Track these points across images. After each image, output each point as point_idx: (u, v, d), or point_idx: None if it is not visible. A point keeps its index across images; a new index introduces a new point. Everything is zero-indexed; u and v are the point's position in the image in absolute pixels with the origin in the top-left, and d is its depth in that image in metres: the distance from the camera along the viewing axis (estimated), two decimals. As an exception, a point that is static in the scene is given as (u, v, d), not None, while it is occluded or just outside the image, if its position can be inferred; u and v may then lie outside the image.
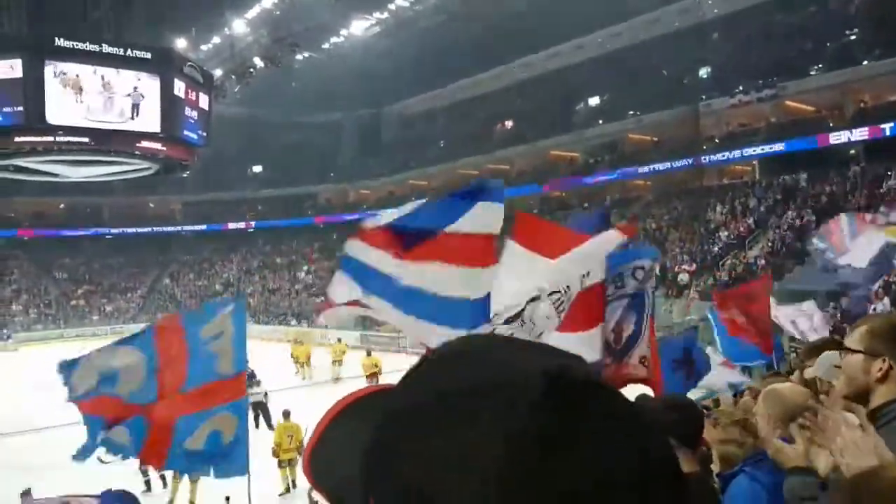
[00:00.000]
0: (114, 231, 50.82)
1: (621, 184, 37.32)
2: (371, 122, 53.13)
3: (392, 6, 37.71)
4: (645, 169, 34.61)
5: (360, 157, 52.82)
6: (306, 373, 23.05)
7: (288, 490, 11.11)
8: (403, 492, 0.45)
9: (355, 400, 0.61)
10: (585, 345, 3.78)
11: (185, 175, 34.06)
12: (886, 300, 16.56)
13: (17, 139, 20.05)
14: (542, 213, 39.84)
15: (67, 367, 5.11)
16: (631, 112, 36.47)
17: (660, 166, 33.54)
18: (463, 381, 0.47)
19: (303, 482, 11.27)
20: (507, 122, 45.53)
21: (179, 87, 21.88)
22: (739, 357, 7.77)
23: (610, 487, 0.42)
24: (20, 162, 21.55)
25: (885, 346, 1.84)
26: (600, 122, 38.62)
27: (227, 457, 5.50)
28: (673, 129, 32.50)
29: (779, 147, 28.87)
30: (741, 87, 30.10)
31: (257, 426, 13.95)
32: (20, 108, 19.58)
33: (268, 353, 22.75)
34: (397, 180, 47.82)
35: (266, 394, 15.31)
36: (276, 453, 10.93)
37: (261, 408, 14.95)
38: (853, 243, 7.68)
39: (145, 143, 21.81)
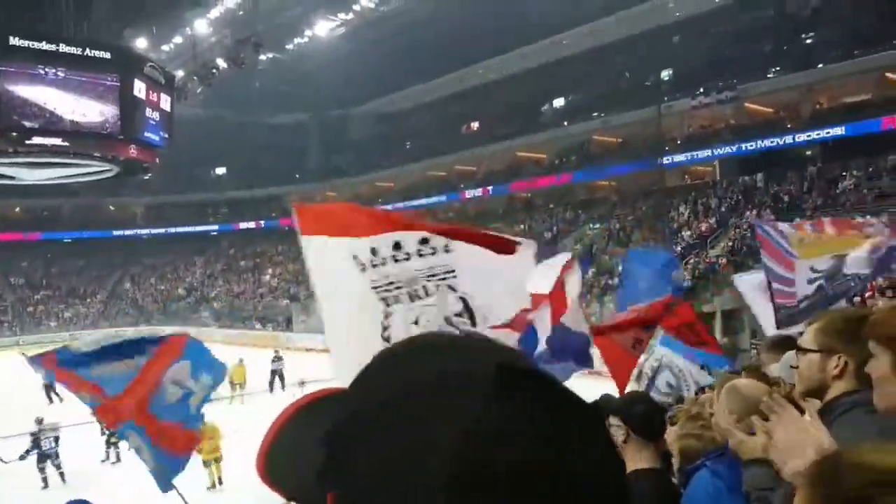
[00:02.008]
0: (73, 234, 49.66)
1: (587, 184, 37.71)
2: (337, 123, 52.81)
3: (357, 7, 37.53)
4: (610, 169, 35.05)
5: (327, 158, 52.47)
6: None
7: (214, 485, 11.86)
8: (361, 489, 0.45)
9: (311, 401, 0.61)
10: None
11: (146, 177, 33.47)
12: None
13: (-30, 140, 19.53)
14: (509, 212, 40.15)
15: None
16: (596, 113, 36.87)
17: (624, 167, 33.99)
18: (415, 378, 0.48)
19: (229, 479, 11.47)
20: (473, 123, 45.68)
21: (140, 88, 21.53)
22: (706, 361, 7.84)
23: (559, 476, 0.43)
24: (-26, 164, 20.99)
25: (839, 342, 1.87)
26: (566, 123, 38.97)
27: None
28: (637, 131, 32.94)
29: (738, 148, 29.47)
30: (702, 89, 30.64)
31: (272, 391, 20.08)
32: (-27, 109, 19.09)
33: (232, 356, 22.36)
34: (364, 181, 47.63)
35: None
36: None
37: (278, 374, 21.08)
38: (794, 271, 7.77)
39: (105, 145, 21.42)
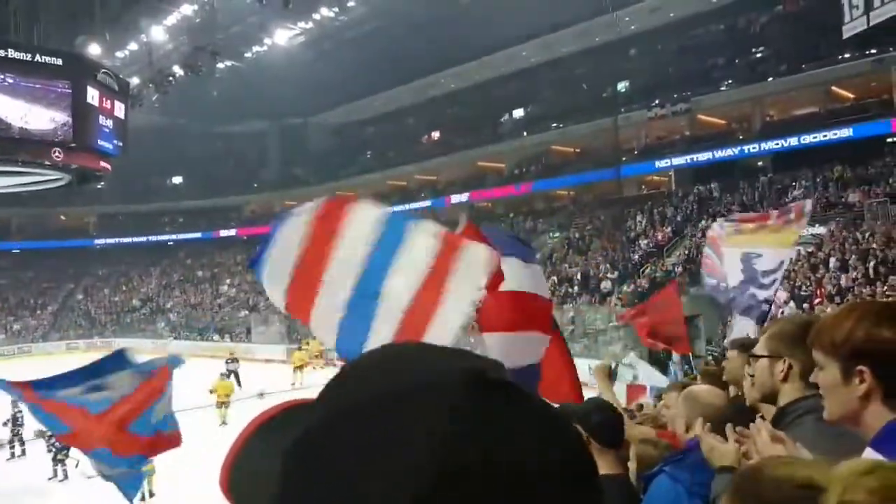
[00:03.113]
0: (22, 245, 48.22)
1: (546, 194, 38.11)
2: (297, 131, 52.42)
3: (317, 16, 37.33)
4: (568, 179, 35.52)
5: (286, 167, 52.01)
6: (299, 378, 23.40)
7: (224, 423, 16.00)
8: (332, 500, 0.44)
9: (276, 413, 0.60)
10: (525, 344, 3.78)
11: (99, 186, 32.68)
12: (792, 303, 17.51)
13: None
14: (472, 221, 40.23)
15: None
16: (554, 124, 37.33)
17: (582, 177, 34.48)
18: (382, 388, 0.48)
19: (234, 422, 11.44)
20: (434, 133, 45.81)
21: (93, 95, 21.02)
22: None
23: (530, 484, 0.43)
24: (-83, 172, 20.26)
25: (784, 347, 1.94)
26: (525, 133, 39.37)
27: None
28: (594, 141, 33.46)
29: (693, 158, 30.15)
30: (657, 101, 31.30)
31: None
32: (-84, 115, 18.43)
33: (190, 369, 21.92)
34: (325, 190, 47.27)
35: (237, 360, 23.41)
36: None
37: (234, 374, 22.27)
38: (723, 265, 7.92)
39: (56, 153, 20.86)
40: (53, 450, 13.50)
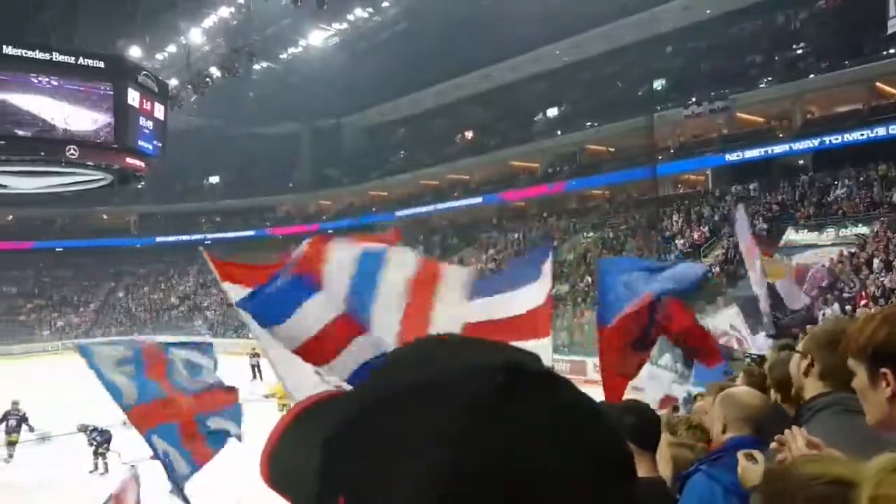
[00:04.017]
0: (65, 243, 49.46)
1: (580, 193, 37.84)
2: (331, 132, 52.87)
3: (351, 17, 37.64)
4: (602, 178, 35.22)
5: (320, 167, 52.49)
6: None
7: None
8: (364, 492, 0.45)
9: (311, 404, 0.61)
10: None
11: (139, 186, 33.40)
12: (836, 305, 17.08)
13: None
14: (502, 221, 40.22)
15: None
16: (588, 123, 37.04)
17: (617, 176, 34.15)
18: (420, 378, 0.48)
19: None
20: (467, 133, 45.80)
21: (133, 97, 21.48)
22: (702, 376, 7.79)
23: (567, 476, 0.43)
24: (-34, 173, 20.91)
25: (812, 347, 2.07)
26: (559, 132, 39.13)
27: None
28: (629, 140, 33.09)
29: (731, 157, 29.63)
30: (694, 99, 30.85)
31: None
32: (-34, 118, 19.03)
33: (226, 365, 22.30)
34: (357, 191, 47.65)
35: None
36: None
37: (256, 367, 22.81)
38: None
39: (98, 154, 21.35)
40: (94, 443, 13.83)
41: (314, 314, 3.49)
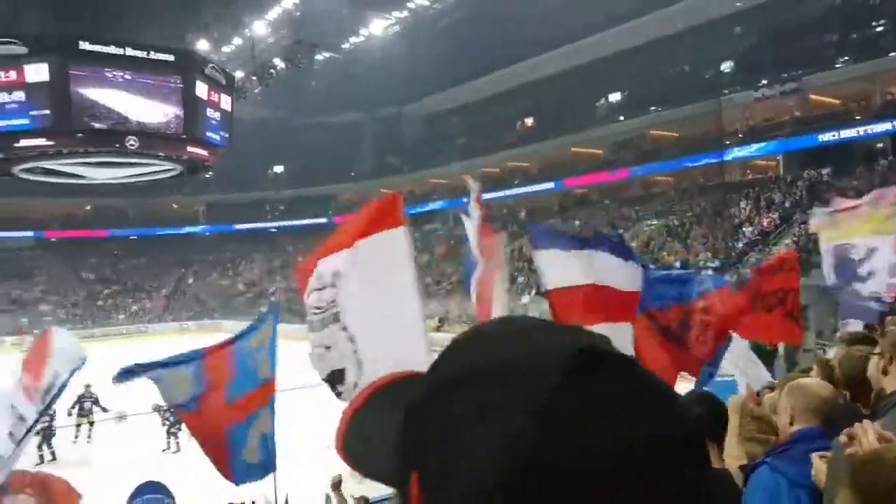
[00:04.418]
0: (138, 231, 51.51)
1: (644, 179, 37.08)
2: (391, 120, 53.27)
3: (411, 5, 37.76)
4: (667, 164, 34.39)
5: (381, 156, 52.99)
6: None
7: None
8: (438, 467, 0.46)
9: (386, 384, 0.62)
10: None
11: (207, 176, 34.39)
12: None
13: (43, 142, 20.40)
14: (564, 209, 39.80)
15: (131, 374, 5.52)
16: (652, 108, 36.20)
17: (682, 162, 33.30)
18: (493, 357, 0.48)
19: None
20: (527, 120, 45.41)
21: (202, 89, 22.09)
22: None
23: (639, 460, 0.43)
24: (47, 164, 21.92)
25: (889, 345, 2.12)
26: (622, 118, 38.39)
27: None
28: (695, 125, 32.19)
29: (803, 141, 28.51)
30: (764, 81, 29.74)
31: None
32: (47, 112, 19.92)
33: (291, 351, 22.90)
34: (418, 178, 47.91)
35: None
36: None
37: None
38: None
39: (169, 145, 22.09)
40: (167, 423, 14.41)
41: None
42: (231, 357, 5.85)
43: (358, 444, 0.60)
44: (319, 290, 3.46)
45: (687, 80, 35.36)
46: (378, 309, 3.38)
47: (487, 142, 44.16)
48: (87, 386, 15.17)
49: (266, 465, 5.75)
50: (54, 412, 14.82)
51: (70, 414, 15.22)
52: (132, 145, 20.78)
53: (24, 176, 23.69)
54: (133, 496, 2.19)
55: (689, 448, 0.46)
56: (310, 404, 16.10)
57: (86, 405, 15.46)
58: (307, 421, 14.07)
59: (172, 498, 2.12)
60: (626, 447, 0.43)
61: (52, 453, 14.17)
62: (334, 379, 3.42)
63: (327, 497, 6.28)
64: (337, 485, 6.04)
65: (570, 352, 0.46)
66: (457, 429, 0.46)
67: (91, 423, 15.53)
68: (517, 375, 0.46)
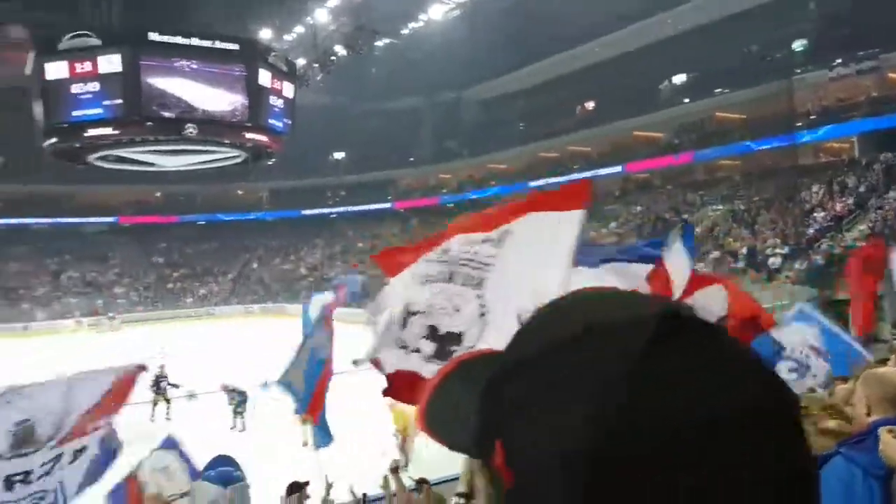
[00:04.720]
0: (205, 217, 53.10)
1: (708, 164, 36.05)
2: (451, 105, 53.18)
3: (471, -12, 37.47)
4: (733, 148, 33.31)
5: (440, 141, 53.04)
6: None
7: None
8: (524, 436, 0.46)
9: (471, 357, 0.63)
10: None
11: (270, 163, 35.08)
12: None
13: (116, 131, 21.18)
14: (624, 193, 39.11)
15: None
16: (718, 89, 35.07)
17: (750, 145, 32.20)
18: (575, 325, 0.48)
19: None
20: (588, 103, 44.66)
21: (265, 77, 22.52)
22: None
23: (728, 427, 0.42)
24: (120, 152, 22.78)
25: None
26: (686, 100, 37.35)
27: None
28: (764, 106, 31.03)
29: (880, 122, 27.16)
30: (839, 60, 28.40)
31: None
32: (119, 101, 20.67)
33: (348, 334, 23.33)
34: (477, 164, 47.80)
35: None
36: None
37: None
38: None
39: (234, 132, 22.63)
40: (234, 403, 14.95)
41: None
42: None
43: (440, 417, 0.60)
44: (483, 242, 3.43)
45: (755, 60, 34.07)
46: (523, 284, 3.30)
47: (547, 126, 43.66)
48: (162, 366, 15.83)
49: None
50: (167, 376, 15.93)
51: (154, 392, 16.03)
52: (191, 133, 21.35)
53: (99, 164, 24.69)
54: (206, 468, 2.29)
55: (781, 417, 0.45)
56: (360, 388, 16.43)
57: (162, 384, 16.20)
58: (358, 405, 14.37)
59: (242, 472, 2.21)
60: (715, 414, 0.42)
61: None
62: (449, 341, 3.40)
63: (385, 479, 6.38)
64: (395, 469, 6.16)
65: (656, 317, 0.46)
66: (542, 396, 0.45)
67: (168, 401, 16.26)
68: (602, 342, 0.46)
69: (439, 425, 0.60)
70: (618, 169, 38.49)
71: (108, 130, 21.12)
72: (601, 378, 0.44)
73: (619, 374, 0.43)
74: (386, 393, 3.78)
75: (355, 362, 16.14)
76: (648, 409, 0.42)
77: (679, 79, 40.14)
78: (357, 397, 13.86)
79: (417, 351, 3.58)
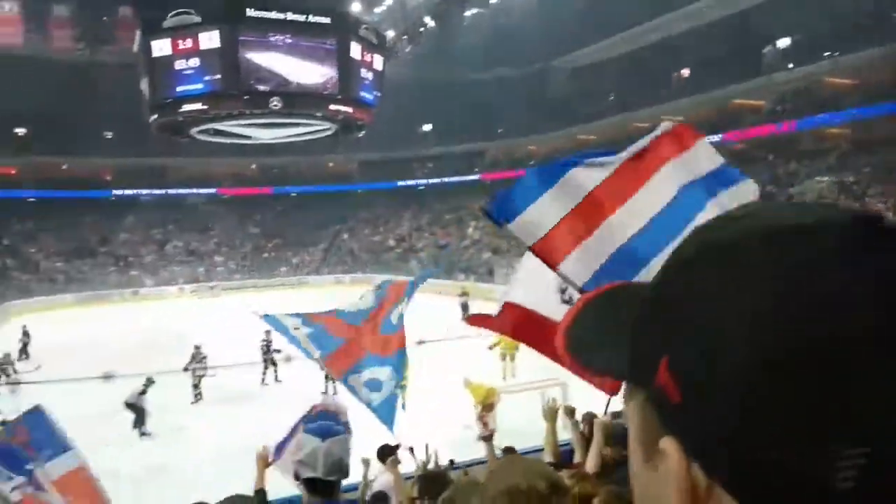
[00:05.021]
0: (298, 189, 54.71)
1: (814, 132, 34.04)
2: (539, 76, 52.28)
3: (561, -46, 36.56)
4: (842, 115, 31.29)
5: (528, 112, 52.32)
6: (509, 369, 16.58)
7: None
8: (695, 345, 0.43)
9: (613, 287, 0.61)
10: None
11: (360, 135, 35.73)
12: None
13: (215, 105, 22.06)
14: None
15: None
16: (827, 53, 32.92)
17: (861, 112, 30.15)
18: (763, 228, 0.45)
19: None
20: (683, 71, 42.89)
21: (356, 50, 22.87)
22: None
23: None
24: (218, 125, 23.75)
25: None
26: (790, 65, 35.27)
27: (382, 405, 6.20)
28: (878, 71, 28.94)
29: None
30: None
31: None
32: (218, 76, 21.51)
33: (437, 305, 23.76)
34: (564, 135, 46.98)
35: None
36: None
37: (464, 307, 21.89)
38: None
39: (326, 105, 23.14)
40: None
41: (549, 208, 3.48)
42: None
43: (586, 339, 0.58)
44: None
45: (869, 21, 31.69)
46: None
47: (640, 95, 42.28)
48: (268, 332, 16.60)
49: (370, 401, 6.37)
50: (205, 357, 16.62)
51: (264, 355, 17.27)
52: (275, 106, 21.99)
53: (200, 137, 25.80)
54: (307, 420, 2.41)
55: None
56: (449, 355, 16.58)
57: (269, 349, 17.25)
58: (443, 372, 14.58)
59: (343, 425, 2.30)
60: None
61: (200, 394, 15.92)
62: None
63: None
64: (489, 437, 6.22)
65: (849, 219, 0.43)
66: (715, 304, 0.43)
67: (275, 365, 17.33)
68: (792, 243, 0.42)
69: (584, 347, 0.58)
70: (715, 138, 36.93)
71: (207, 104, 22.04)
72: (792, 281, 0.41)
73: (802, 277, 0.40)
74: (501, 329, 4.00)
75: (491, 347, 15.86)
76: (832, 315, 0.39)
77: (783, 43, 37.90)
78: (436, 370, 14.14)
79: (568, 302, 3.62)
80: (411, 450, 7.26)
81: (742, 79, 36.09)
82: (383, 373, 6.28)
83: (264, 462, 3.89)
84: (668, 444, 0.44)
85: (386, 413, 6.22)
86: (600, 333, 0.56)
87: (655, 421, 0.46)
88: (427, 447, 6.49)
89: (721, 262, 0.44)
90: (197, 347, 16.72)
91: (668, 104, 40.03)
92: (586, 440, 4.94)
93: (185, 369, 16.25)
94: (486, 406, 12.23)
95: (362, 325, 6.33)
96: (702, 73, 40.14)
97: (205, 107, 22.04)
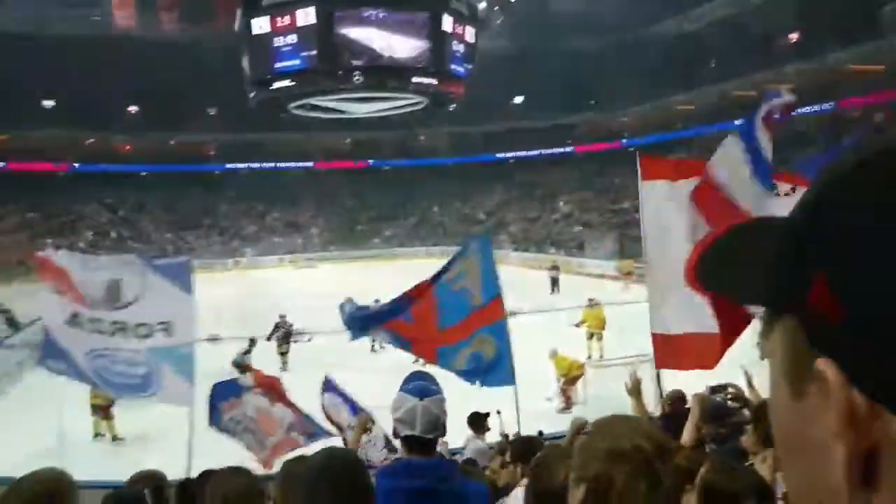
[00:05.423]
0: (391, 163, 55.49)
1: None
2: (635, 45, 50.49)
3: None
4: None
5: (623, 82, 50.72)
6: (595, 348, 15.86)
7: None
8: (858, 258, 0.39)
9: (746, 221, 0.59)
10: None
11: (452, 108, 35.81)
12: None
13: (311, 80, 22.64)
14: (832, 134, 35.28)
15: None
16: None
17: None
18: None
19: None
20: (790, 35, 40.38)
21: (447, 22, 22.86)
22: None
23: None
24: (314, 101, 24.39)
25: None
26: (913, 26, 32.60)
27: (492, 370, 6.29)
28: None
29: None
30: None
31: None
32: (314, 52, 22.04)
33: (527, 278, 23.74)
34: (661, 105, 45.38)
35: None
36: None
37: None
38: None
39: (418, 79, 23.32)
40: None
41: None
42: (434, 299, 6.50)
43: (722, 266, 0.56)
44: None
45: None
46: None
47: (741, 63, 40.18)
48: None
49: (476, 374, 6.46)
50: (291, 326, 16.99)
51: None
52: (364, 81, 22.29)
53: (297, 112, 26.60)
54: (405, 382, 2.55)
55: None
56: (536, 329, 16.55)
57: (279, 334, 16.96)
58: (530, 344, 14.59)
59: (438, 386, 2.44)
60: None
61: (286, 363, 16.24)
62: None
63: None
64: (636, 390, 5.34)
65: None
66: (881, 212, 0.39)
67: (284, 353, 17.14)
68: None
69: (719, 274, 0.56)
70: (825, 106, 34.73)
71: (304, 80, 22.66)
72: None
73: None
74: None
75: (577, 325, 15.76)
76: None
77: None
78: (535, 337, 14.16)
79: None
80: (499, 413, 7.41)
81: (857, 42, 33.66)
82: (478, 343, 6.39)
83: (363, 427, 4.08)
84: (826, 366, 0.41)
85: (498, 377, 6.42)
86: (735, 261, 0.54)
87: (805, 347, 0.43)
88: (518, 411, 6.56)
89: (870, 175, 0.41)
90: (282, 317, 16.87)
91: (774, 70, 37.88)
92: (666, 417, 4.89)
93: (269, 339, 16.40)
94: (570, 379, 12.23)
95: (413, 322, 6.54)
96: (810, 36, 37.66)
97: (301, 82, 22.68)
